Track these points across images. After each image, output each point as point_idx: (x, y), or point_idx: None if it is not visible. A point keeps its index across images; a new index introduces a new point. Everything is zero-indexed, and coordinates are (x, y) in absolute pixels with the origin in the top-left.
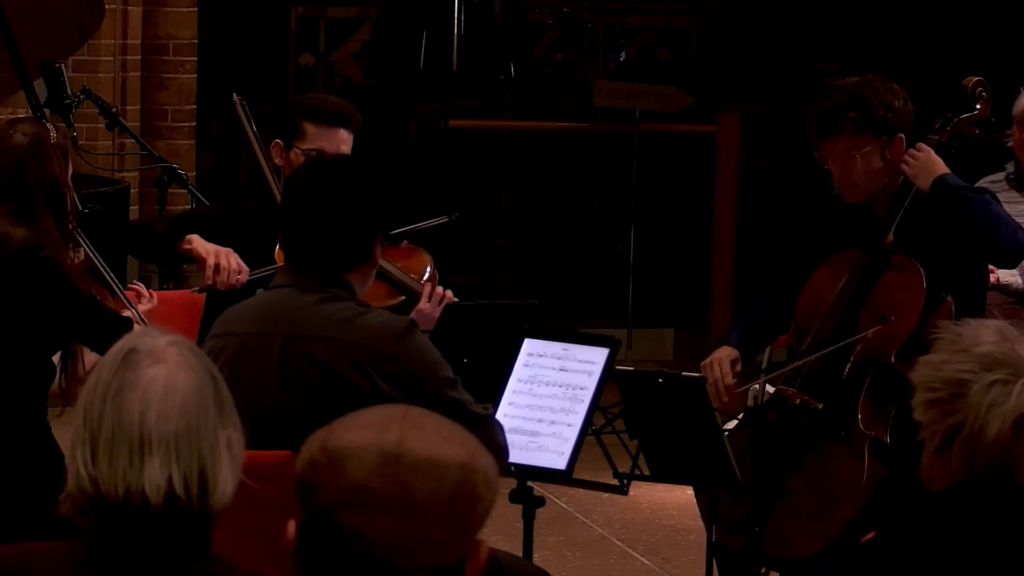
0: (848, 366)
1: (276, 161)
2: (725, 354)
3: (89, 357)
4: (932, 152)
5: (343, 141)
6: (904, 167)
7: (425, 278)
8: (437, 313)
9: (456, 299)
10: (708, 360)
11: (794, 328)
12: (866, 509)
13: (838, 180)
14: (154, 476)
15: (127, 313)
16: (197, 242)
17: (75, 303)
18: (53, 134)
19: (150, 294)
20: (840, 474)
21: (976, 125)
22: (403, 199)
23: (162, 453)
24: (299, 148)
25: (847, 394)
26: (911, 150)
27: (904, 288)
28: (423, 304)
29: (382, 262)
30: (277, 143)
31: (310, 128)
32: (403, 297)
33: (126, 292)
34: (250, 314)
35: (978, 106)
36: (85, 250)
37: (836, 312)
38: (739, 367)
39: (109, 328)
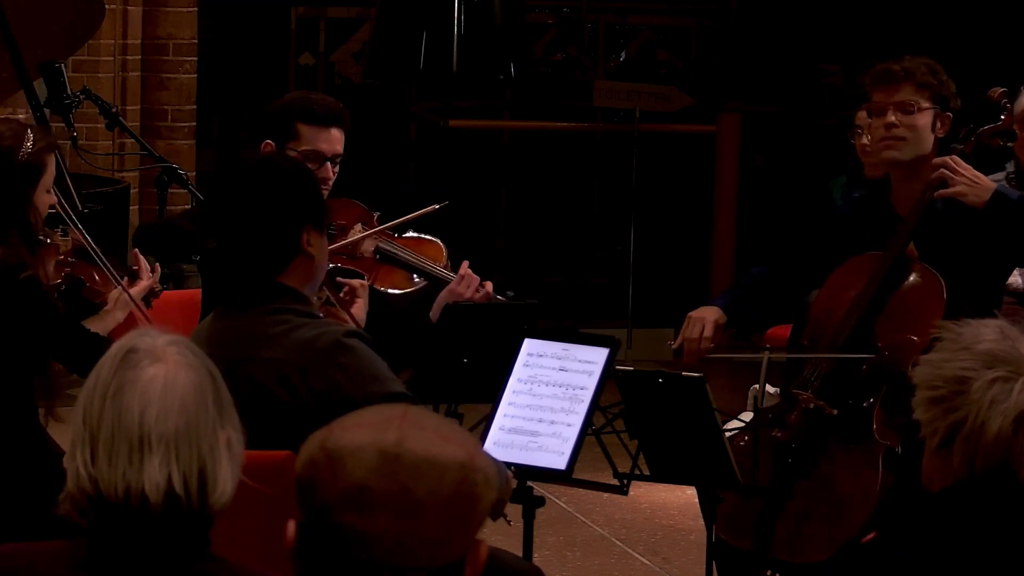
0: (863, 374)
1: None
2: (712, 316)
3: None
4: (968, 165)
5: (337, 140)
6: (954, 188)
7: (443, 263)
8: (476, 296)
9: (494, 296)
10: (694, 315)
11: (809, 330)
12: (874, 515)
13: (883, 134)
14: (154, 475)
15: (115, 292)
16: None
17: (53, 325)
18: (28, 144)
19: (150, 271)
20: (854, 482)
21: (999, 136)
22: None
23: (162, 452)
24: (293, 149)
25: (862, 402)
26: (949, 161)
27: (923, 298)
28: (455, 285)
29: (395, 248)
30: (268, 143)
31: (304, 129)
32: (423, 281)
33: (129, 268)
34: (202, 336)
35: (1002, 116)
36: (76, 232)
37: (853, 317)
38: (720, 334)
39: (86, 348)
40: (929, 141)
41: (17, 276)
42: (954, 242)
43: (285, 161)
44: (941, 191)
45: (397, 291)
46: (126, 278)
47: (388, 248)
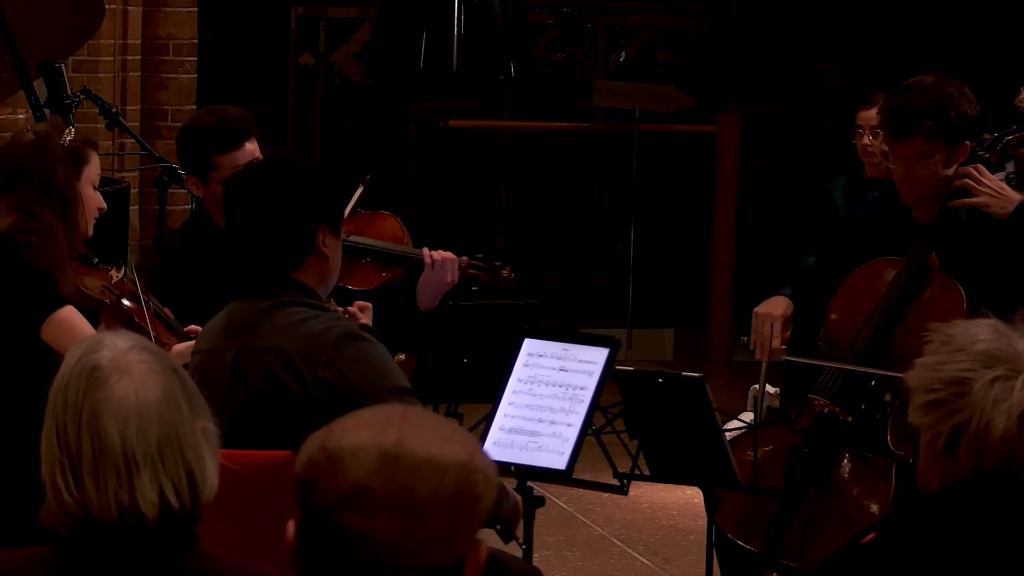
0: (878, 383)
1: (196, 193)
2: (778, 311)
3: None
4: (992, 176)
5: (252, 153)
6: (978, 199)
7: (404, 236)
8: (448, 276)
9: (461, 257)
10: (761, 311)
11: (825, 333)
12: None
13: (900, 180)
14: (146, 492)
15: (176, 346)
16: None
17: (26, 279)
18: (68, 136)
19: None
20: (867, 493)
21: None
22: (342, 188)
23: (149, 468)
24: (218, 181)
25: (877, 411)
26: (972, 172)
27: (943, 309)
28: (436, 275)
29: (356, 238)
30: (191, 178)
31: (221, 159)
32: (398, 269)
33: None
34: (213, 330)
35: None
36: (133, 286)
37: (871, 325)
38: (789, 326)
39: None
40: (943, 176)
41: (12, 241)
42: (976, 252)
43: (306, 162)
44: (963, 200)
45: (367, 288)
46: (175, 337)
47: (348, 241)
